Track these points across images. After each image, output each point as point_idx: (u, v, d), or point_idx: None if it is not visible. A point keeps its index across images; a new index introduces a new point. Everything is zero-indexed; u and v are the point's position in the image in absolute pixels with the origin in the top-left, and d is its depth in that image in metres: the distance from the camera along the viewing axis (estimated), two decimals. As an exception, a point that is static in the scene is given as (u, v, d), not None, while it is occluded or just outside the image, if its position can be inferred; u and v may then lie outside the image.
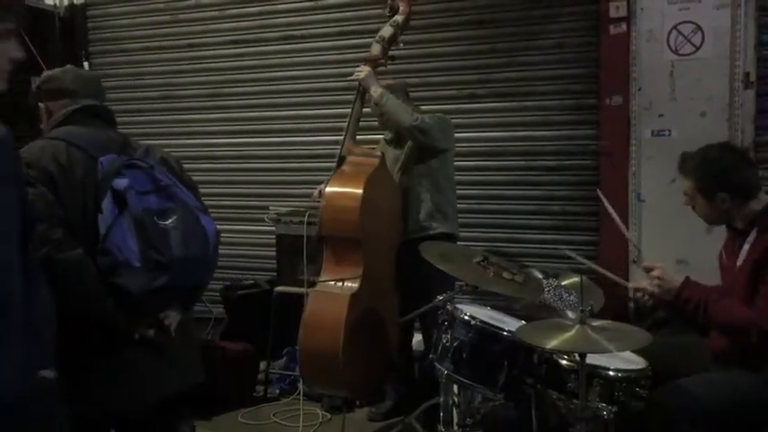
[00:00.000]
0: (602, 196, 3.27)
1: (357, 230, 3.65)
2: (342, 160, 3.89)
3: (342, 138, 3.97)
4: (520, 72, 4.79)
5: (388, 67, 4.05)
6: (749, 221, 2.78)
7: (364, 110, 4.03)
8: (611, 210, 3.07)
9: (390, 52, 3.96)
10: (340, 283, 3.66)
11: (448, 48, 4.96)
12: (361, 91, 3.93)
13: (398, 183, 3.99)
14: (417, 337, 4.35)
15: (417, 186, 3.97)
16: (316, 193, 4.11)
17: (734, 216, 2.81)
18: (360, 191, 3.65)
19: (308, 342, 3.67)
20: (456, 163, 4.48)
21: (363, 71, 3.88)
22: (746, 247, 2.76)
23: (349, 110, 4.01)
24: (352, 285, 3.65)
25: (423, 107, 4.21)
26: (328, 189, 3.72)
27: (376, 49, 3.93)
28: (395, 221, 3.95)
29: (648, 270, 2.82)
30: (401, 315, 3.78)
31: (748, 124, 4.21)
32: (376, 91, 3.84)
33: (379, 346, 3.85)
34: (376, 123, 4.33)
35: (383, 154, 3.94)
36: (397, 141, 4.09)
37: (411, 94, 4.23)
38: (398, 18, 3.90)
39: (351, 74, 3.97)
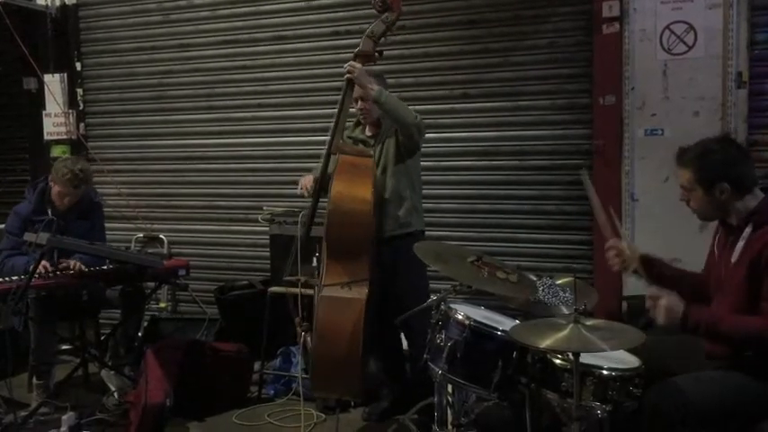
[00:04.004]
0: (586, 180, 3.29)
1: (366, 234, 3.64)
2: (330, 157, 3.86)
3: (329, 135, 3.93)
4: (512, 72, 4.80)
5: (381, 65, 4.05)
6: (744, 217, 2.77)
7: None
8: (592, 195, 3.10)
9: (379, 48, 3.95)
10: (347, 288, 3.63)
11: (440, 48, 4.96)
12: (349, 87, 3.88)
13: (378, 181, 3.97)
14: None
15: (397, 185, 3.95)
16: (304, 183, 4.03)
17: (729, 210, 2.79)
18: (369, 195, 3.64)
19: (325, 349, 3.62)
20: (449, 162, 4.50)
21: (356, 68, 3.84)
22: (741, 243, 2.74)
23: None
24: (363, 288, 3.63)
25: (416, 107, 4.18)
26: (335, 192, 3.67)
27: (367, 45, 3.88)
28: (375, 219, 3.93)
29: (654, 299, 2.75)
30: (383, 313, 3.77)
31: (741, 123, 4.23)
32: (374, 88, 3.81)
33: (369, 345, 3.86)
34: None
35: (373, 153, 3.93)
36: (374, 140, 4.06)
37: (404, 94, 4.23)
38: (390, 15, 3.88)
39: (343, 74, 3.94)
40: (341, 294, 3.64)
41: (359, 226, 3.64)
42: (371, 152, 3.92)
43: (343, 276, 3.67)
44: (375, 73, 4.05)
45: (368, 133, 4.12)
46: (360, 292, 3.63)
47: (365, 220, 3.64)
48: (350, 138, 4.16)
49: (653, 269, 3.09)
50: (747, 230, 2.74)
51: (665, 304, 2.69)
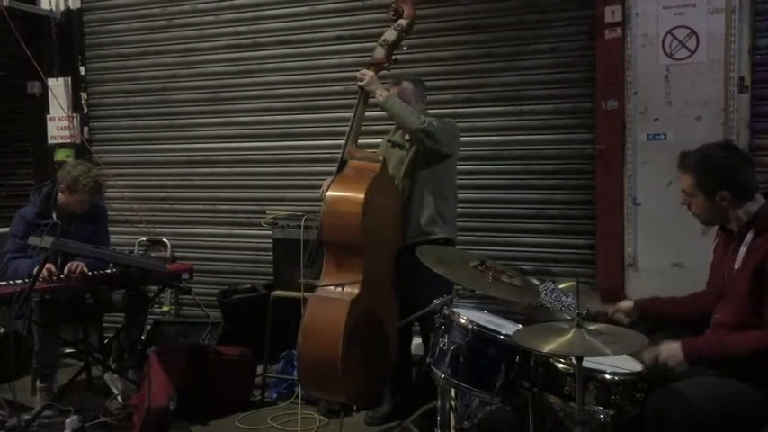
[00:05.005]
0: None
1: (358, 236, 3.66)
2: (343, 164, 3.89)
3: (344, 141, 3.96)
4: (516, 76, 4.80)
5: (391, 70, 4.07)
6: (745, 223, 2.77)
7: (368, 113, 4.03)
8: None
9: (394, 56, 3.97)
10: (340, 288, 3.66)
11: (444, 52, 4.97)
12: (364, 95, 3.93)
13: (402, 186, 3.99)
14: (415, 341, 4.36)
15: (421, 191, 3.97)
16: (323, 187, 4.04)
17: (730, 216, 2.80)
18: (361, 197, 3.66)
19: (306, 348, 3.67)
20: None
21: (366, 76, 3.88)
22: (744, 249, 2.74)
23: (346, 114, 4.02)
24: (352, 290, 3.65)
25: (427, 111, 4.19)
26: (329, 194, 3.73)
27: (380, 53, 3.93)
28: (396, 226, 3.96)
29: (654, 361, 2.73)
30: (401, 319, 3.79)
31: (743, 128, 4.23)
32: (381, 94, 3.84)
33: (378, 351, 3.86)
34: (377, 127, 4.34)
35: (384, 158, 3.94)
36: (408, 144, 4.07)
37: (427, 98, 4.24)
38: (403, 22, 3.90)
39: (348, 78, 3.99)
40: (328, 295, 3.68)
41: (349, 227, 3.67)
42: (381, 158, 3.93)
43: (337, 277, 3.70)
44: (412, 77, 4.11)
45: (406, 137, 4.12)
46: (348, 294, 3.65)
47: (356, 221, 3.66)
48: (389, 141, 4.19)
49: (649, 313, 3.11)
50: (749, 236, 2.74)
51: (664, 355, 2.70)
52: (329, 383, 3.66)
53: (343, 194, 3.72)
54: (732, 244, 2.82)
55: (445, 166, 4.00)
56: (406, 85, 4.05)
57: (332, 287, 3.69)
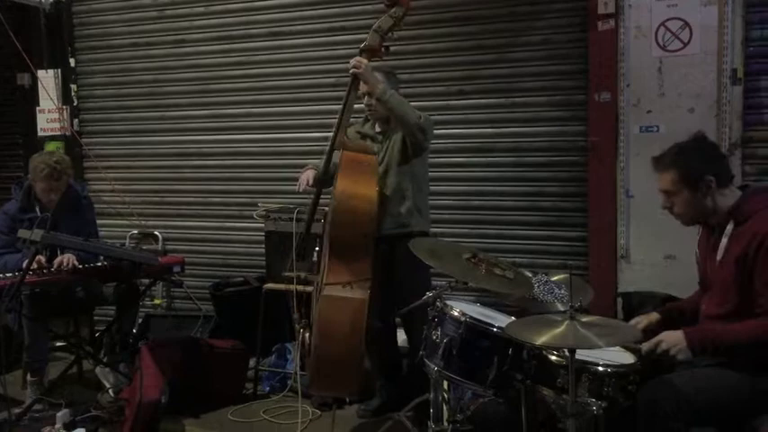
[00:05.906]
0: None
1: (370, 232, 3.61)
2: (333, 152, 3.84)
3: (333, 130, 3.91)
4: (508, 68, 4.79)
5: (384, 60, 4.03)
6: (725, 214, 2.78)
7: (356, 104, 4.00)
8: None
9: (385, 44, 3.92)
10: (349, 286, 3.60)
11: (435, 44, 4.95)
12: (355, 83, 3.86)
13: (380, 178, 3.94)
14: (402, 335, 4.35)
15: (400, 184, 3.93)
16: (302, 179, 4.01)
17: (713, 206, 2.79)
18: (374, 193, 3.61)
19: (325, 349, 3.56)
20: (445, 159, 4.49)
21: (362, 63, 3.79)
22: (725, 240, 2.75)
23: (338, 106, 3.96)
24: (364, 287, 3.59)
25: (412, 104, 4.16)
26: (340, 190, 3.62)
27: (374, 40, 3.83)
28: (378, 218, 3.91)
29: (653, 350, 2.72)
30: (380, 310, 3.76)
31: (736, 120, 4.23)
32: (377, 86, 3.79)
33: (377, 345, 3.85)
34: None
35: (376, 150, 3.91)
36: (382, 136, 4.04)
37: (399, 90, 4.20)
38: (399, 10, 3.85)
39: (340, 70, 3.94)
40: (342, 294, 3.58)
41: (362, 225, 3.60)
42: (375, 149, 3.90)
43: (345, 275, 3.61)
44: (385, 69, 4.05)
45: (377, 129, 4.09)
46: (361, 292, 3.58)
47: (368, 219, 3.60)
48: (358, 132, 4.14)
49: (673, 312, 3.09)
50: (729, 227, 2.75)
51: (666, 344, 2.69)
52: (342, 382, 3.61)
53: (354, 191, 3.62)
54: (713, 238, 2.83)
55: (421, 159, 3.98)
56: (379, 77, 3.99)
57: (340, 285, 3.63)
